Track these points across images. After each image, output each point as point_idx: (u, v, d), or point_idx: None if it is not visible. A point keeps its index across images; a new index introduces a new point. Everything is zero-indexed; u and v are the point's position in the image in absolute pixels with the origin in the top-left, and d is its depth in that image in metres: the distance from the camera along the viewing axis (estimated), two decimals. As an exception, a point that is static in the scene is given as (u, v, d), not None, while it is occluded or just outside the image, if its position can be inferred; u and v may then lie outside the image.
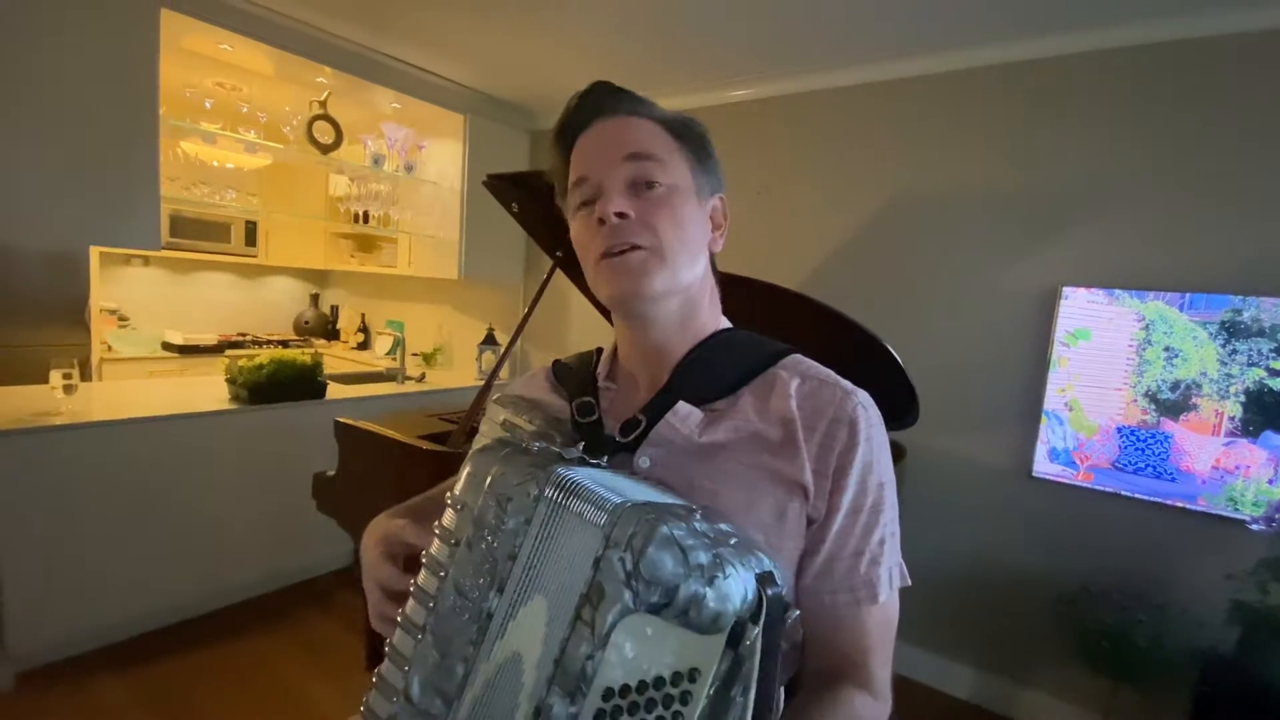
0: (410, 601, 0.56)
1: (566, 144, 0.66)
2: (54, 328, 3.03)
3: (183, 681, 2.05)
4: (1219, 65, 1.84)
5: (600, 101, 0.65)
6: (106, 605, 2.17)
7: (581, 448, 0.59)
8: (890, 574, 0.62)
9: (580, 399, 0.68)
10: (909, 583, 0.64)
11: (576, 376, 0.73)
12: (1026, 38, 2.07)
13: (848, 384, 0.65)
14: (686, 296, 0.66)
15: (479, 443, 0.67)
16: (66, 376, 2.11)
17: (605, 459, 0.60)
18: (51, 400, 2.12)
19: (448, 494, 0.57)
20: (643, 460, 0.62)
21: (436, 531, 0.56)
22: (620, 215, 0.60)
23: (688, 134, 0.66)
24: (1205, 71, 1.86)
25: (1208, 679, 1.66)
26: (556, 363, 0.78)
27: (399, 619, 0.57)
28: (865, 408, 0.63)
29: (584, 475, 0.53)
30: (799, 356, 0.68)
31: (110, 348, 3.39)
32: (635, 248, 0.61)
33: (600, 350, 0.76)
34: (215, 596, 2.46)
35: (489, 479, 0.55)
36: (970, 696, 2.24)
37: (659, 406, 0.63)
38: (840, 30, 2.18)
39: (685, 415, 0.62)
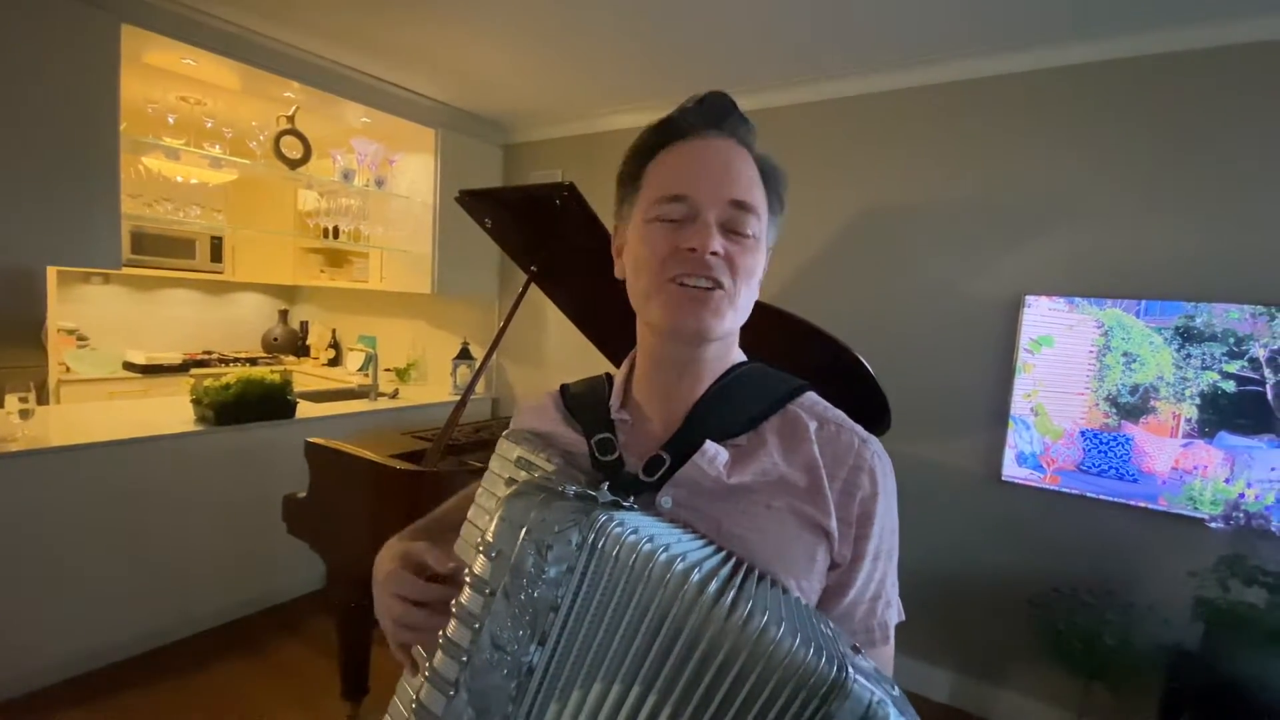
0: (439, 655, 0.53)
1: (667, 137, 0.64)
2: (9, 349, 2.92)
3: (149, 714, 1.98)
4: (1173, 81, 1.92)
5: (720, 114, 0.64)
6: (68, 637, 2.08)
7: (606, 486, 0.57)
8: (895, 612, 0.65)
9: (599, 435, 0.66)
10: (904, 618, 0.66)
11: (590, 409, 0.70)
12: (989, 54, 2.14)
13: (862, 430, 0.65)
14: (728, 338, 0.66)
15: (490, 481, 0.65)
16: (23, 400, 2.04)
17: (631, 498, 0.58)
18: (7, 425, 2.04)
19: (477, 542, 0.55)
20: (665, 500, 0.61)
21: (468, 580, 0.54)
22: (715, 255, 0.60)
23: (775, 184, 0.66)
24: (1159, 87, 1.94)
25: (1175, 675, 1.71)
26: (564, 389, 0.75)
27: (427, 674, 0.54)
28: (880, 455, 0.64)
29: (630, 523, 0.51)
30: (814, 395, 0.68)
31: (69, 369, 3.28)
32: (718, 286, 0.60)
33: (609, 377, 0.74)
34: (182, 624, 2.38)
35: (526, 525, 0.52)
36: (949, 700, 2.27)
37: (682, 444, 0.62)
38: (807, 47, 2.22)
39: (713, 456, 0.61)
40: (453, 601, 0.54)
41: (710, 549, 0.55)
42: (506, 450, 0.65)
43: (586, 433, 0.67)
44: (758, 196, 0.63)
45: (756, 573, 0.54)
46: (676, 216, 0.61)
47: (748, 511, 0.60)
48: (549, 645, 0.50)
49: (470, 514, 0.63)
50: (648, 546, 0.49)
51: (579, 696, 0.49)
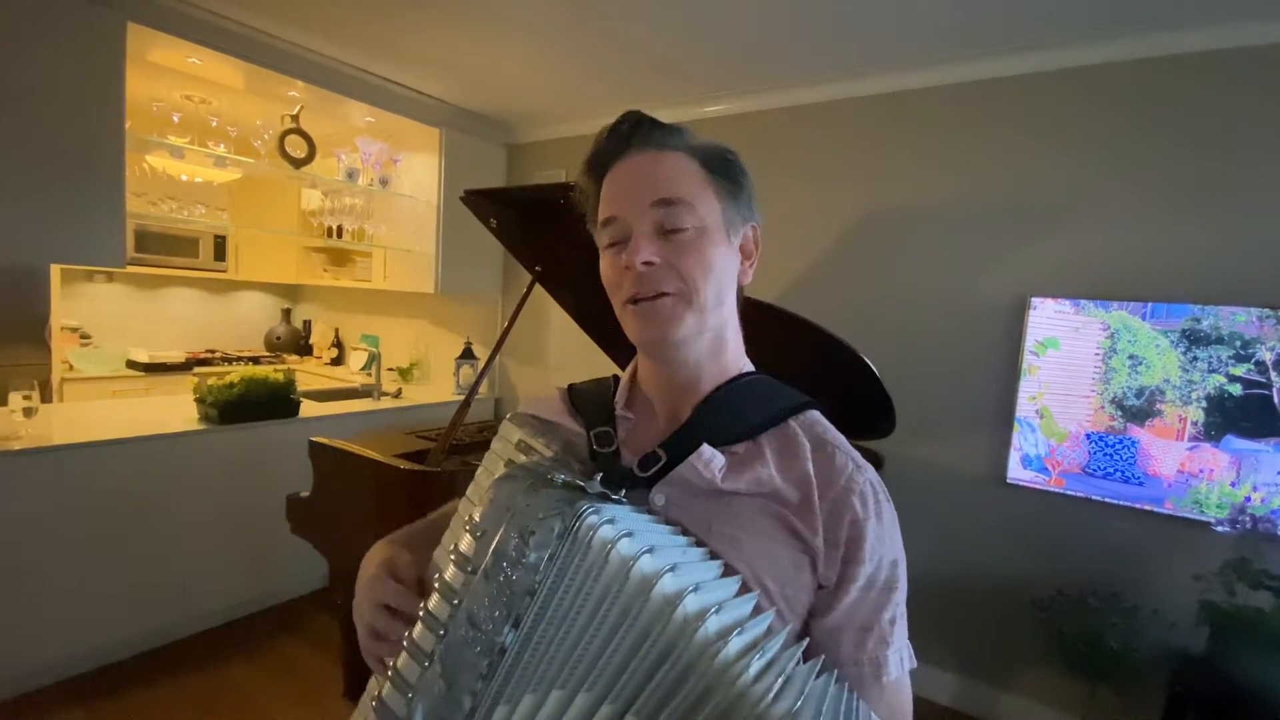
0: (419, 626, 0.55)
1: (597, 175, 0.66)
2: (12, 347, 2.92)
3: (151, 713, 1.97)
4: (1179, 83, 1.91)
5: (630, 133, 0.64)
6: (70, 635, 2.08)
7: (600, 478, 0.58)
8: (901, 656, 0.61)
9: (599, 428, 0.67)
10: (915, 664, 0.63)
11: (594, 403, 0.72)
12: (993, 56, 2.14)
13: (859, 457, 0.65)
14: (714, 334, 0.65)
15: (490, 460, 0.66)
16: (26, 398, 2.04)
17: (623, 492, 0.59)
18: (10, 423, 2.04)
19: (466, 519, 0.56)
20: (658, 498, 0.61)
21: (452, 557, 0.55)
22: (648, 264, 0.60)
23: (721, 167, 0.65)
24: (1165, 90, 1.93)
25: (1180, 679, 1.70)
26: (572, 387, 0.77)
27: (405, 643, 0.55)
28: (875, 484, 0.63)
29: (619, 520, 0.51)
30: (817, 415, 0.68)
31: (72, 367, 3.28)
32: (663, 294, 0.61)
33: (617, 378, 0.75)
34: (184, 624, 2.38)
35: (512, 509, 0.53)
36: (952, 702, 2.26)
37: (679, 445, 0.62)
38: (811, 48, 2.22)
39: (709, 459, 0.61)
40: (436, 576, 0.56)
41: (699, 553, 0.56)
42: (509, 432, 0.66)
43: (587, 425, 0.68)
44: (687, 187, 0.62)
45: (791, 636, 0.52)
46: (618, 238, 0.63)
47: (739, 514, 0.60)
48: (523, 629, 0.50)
49: (469, 491, 0.64)
50: (629, 546, 0.49)
51: (560, 697, 0.49)
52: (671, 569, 0.49)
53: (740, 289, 0.69)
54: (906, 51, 2.20)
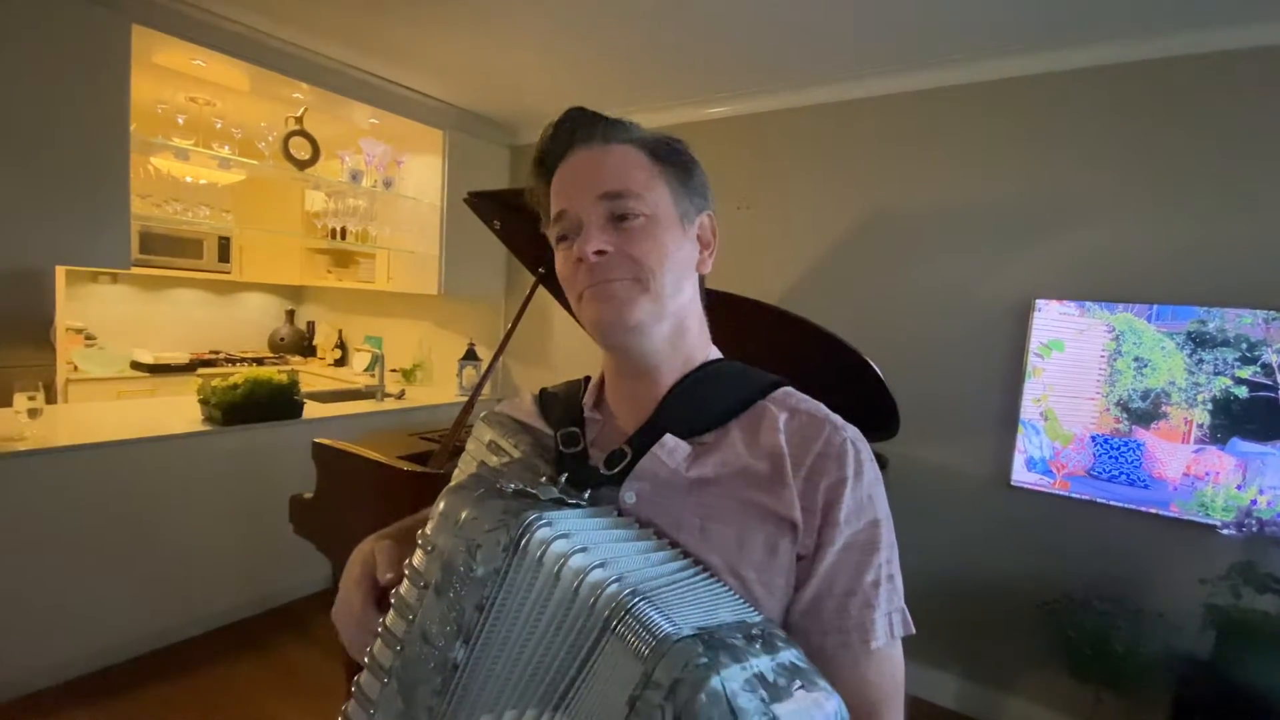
0: (378, 642, 0.54)
1: (546, 174, 0.65)
2: (17, 348, 2.93)
3: (154, 714, 1.98)
4: (1184, 85, 1.91)
5: (575, 129, 0.63)
6: (74, 636, 2.09)
7: (565, 479, 0.57)
8: (890, 620, 0.58)
9: (565, 429, 0.66)
10: (912, 630, 0.60)
11: (562, 405, 0.71)
12: (997, 58, 2.13)
13: (838, 419, 0.63)
14: (673, 322, 0.64)
15: (464, 461, 0.65)
16: (31, 399, 2.05)
17: (588, 493, 0.59)
18: (15, 424, 2.05)
19: (419, 532, 0.55)
20: (628, 495, 0.60)
21: (406, 571, 0.54)
22: (599, 254, 0.60)
23: (669, 155, 0.64)
24: (1170, 90, 1.93)
25: (1186, 683, 1.69)
26: (543, 391, 0.76)
27: (366, 659, 0.54)
28: (855, 443, 0.61)
29: (566, 529, 0.50)
30: (789, 389, 0.67)
31: (77, 368, 3.29)
32: (617, 279, 0.60)
33: (588, 379, 0.75)
34: (188, 625, 2.38)
35: (460, 521, 0.52)
36: (956, 705, 2.25)
37: (645, 439, 0.62)
38: (817, 49, 2.22)
39: (672, 448, 0.60)
40: (392, 593, 0.55)
41: (661, 555, 0.53)
42: (481, 433, 0.66)
43: (555, 427, 0.68)
44: (636, 177, 0.61)
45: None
46: (568, 232, 0.63)
47: (707, 504, 0.58)
48: (474, 644, 0.50)
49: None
50: (578, 558, 0.48)
51: (513, 716, 0.49)
52: (617, 580, 0.47)
53: (702, 279, 0.69)
54: (910, 53, 2.20)
